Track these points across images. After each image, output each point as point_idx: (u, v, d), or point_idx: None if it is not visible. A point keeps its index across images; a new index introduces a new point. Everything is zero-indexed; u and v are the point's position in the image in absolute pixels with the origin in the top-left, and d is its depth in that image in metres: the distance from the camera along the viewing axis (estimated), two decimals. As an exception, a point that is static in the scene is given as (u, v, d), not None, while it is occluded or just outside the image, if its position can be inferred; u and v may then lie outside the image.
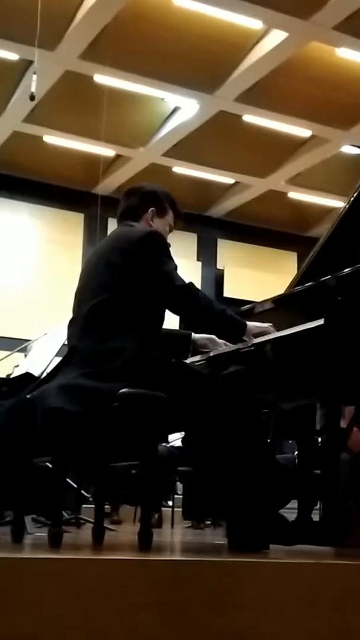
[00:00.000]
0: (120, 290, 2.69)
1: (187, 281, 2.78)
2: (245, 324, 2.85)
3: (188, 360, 3.25)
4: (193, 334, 3.13)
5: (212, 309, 2.81)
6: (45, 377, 2.81)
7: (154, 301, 2.74)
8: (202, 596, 1.98)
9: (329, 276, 2.84)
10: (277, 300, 3.17)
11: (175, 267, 2.79)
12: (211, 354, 3.14)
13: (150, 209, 2.95)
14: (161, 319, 2.82)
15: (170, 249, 2.83)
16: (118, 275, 2.72)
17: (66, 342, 3.08)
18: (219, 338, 3.07)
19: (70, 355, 2.71)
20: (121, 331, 2.63)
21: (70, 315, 2.85)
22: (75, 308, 2.83)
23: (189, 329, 3.16)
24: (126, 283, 2.70)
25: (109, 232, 13.74)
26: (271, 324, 2.89)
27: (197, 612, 1.97)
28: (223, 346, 3.10)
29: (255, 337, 2.87)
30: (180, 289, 2.76)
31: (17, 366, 5.23)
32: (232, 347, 3.02)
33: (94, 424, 2.48)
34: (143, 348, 2.64)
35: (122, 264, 2.72)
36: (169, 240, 2.94)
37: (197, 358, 3.24)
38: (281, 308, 3.10)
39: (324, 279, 2.87)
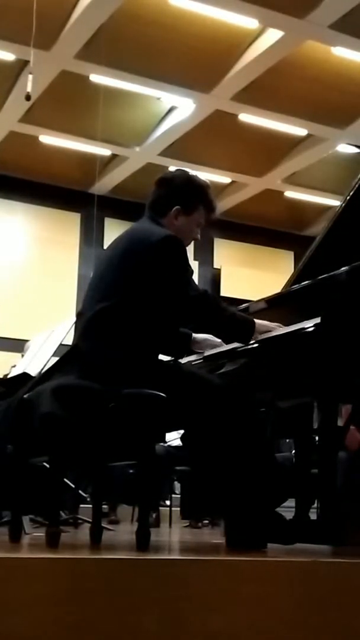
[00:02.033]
0: (128, 296, 2.65)
1: (201, 289, 2.76)
2: (254, 323, 2.84)
3: (185, 360, 3.25)
4: (193, 333, 3.12)
5: (223, 317, 2.79)
6: (43, 375, 2.80)
7: (162, 308, 2.69)
8: (200, 595, 1.98)
9: (326, 275, 2.84)
10: (274, 299, 3.17)
11: (191, 272, 2.76)
12: (207, 353, 3.14)
13: (175, 208, 2.86)
14: (168, 325, 2.80)
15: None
16: (128, 279, 2.67)
17: (65, 340, 3.07)
18: (231, 342, 3.02)
19: (71, 355, 2.70)
20: (125, 338, 2.62)
21: (68, 311, 2.84)
22: (86, 302, 2.80)
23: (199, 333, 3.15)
24: (135, 289, 2.65)
25: (105, 231, 13.74)
26: (279, 324, 2.88)
27: (195, 611, 1.97)
28: (222, 345, 3.09)
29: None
30: (193, 300, 2.73)
31: (14, 366, 5.22)
32: (229, 346, 3.02)
33: (90, 425, 2.49)
34: (144, 354, 2.64)
35: (134, 268, 2.68)
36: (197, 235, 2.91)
37: (194, 357, 3.24)
38: (278, 307, 3.10)
39: (320, 277, 2.87)
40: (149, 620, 1.91)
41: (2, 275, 12.82)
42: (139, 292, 2.65)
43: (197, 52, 9.80)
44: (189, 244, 2.90)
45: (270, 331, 2.85)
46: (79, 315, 2.80)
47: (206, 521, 6.30)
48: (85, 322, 2.71)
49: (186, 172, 3.03)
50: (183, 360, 3.23)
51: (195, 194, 2.91)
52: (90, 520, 3.06)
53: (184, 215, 2.87)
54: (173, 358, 3.25)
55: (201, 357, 3.18)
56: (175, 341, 3.01)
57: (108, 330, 2.63)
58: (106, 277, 2.76)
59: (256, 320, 2.85)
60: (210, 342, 3.09)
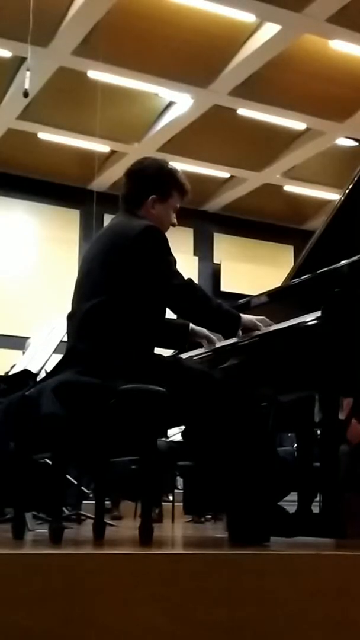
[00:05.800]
0: (117, 291, 2.67)
1: (185, 277, 2.76)
2: (240, 317, 2.84)
3: (186, 355, 3.25)
4: (191, 324, 3.11)
5: (208, 307, 2.79)
6: (45, 377, 2.80)
7: (151, 300, 2.71)
8: (203, 589, 1.99)
9: (326, 268, 2.84)
10: (274, 294, 3.17)
11: (175, 262, 2.76)
12: (209, 348, 3.14)
13: (151, 197, 2.87)
14: (160, 316, 2.81)
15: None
16: (114, 274, 2.69)
17: (66, 337, 3.07)
18: (216, 333, 3.05)
19: (69, 355, 2.70)
20: (119, 332, 2.63)
21: (68, 308, 2.84)
22: (75, 303, 2.81)
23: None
24: (123, 283, 2.67)
25: (105, 228, 13.37)
26: (264, 317, 2.88)
27: (198, 605, 1.97)
28: (219, 338, 3.09)
29: (245, 332, 2.85)
30: (178, 289, 2.73)
31: (14, 366, 5.22)
32: (229, 340, 3.02)
33: (91, 421, 2.49)
34: (141, 348, 2.64)
35: (119, 262, 2.69)
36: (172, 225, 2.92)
37: (195, 352, 3.24)
38: (278, 301, 3.10)
39: (320, 271, 2.87)
40: (153, 615, 1.92)
41: (1, 272, 12.82)
42: (126, 286, 2.67)
43: (194, 47, 9.78)
44: (167, 229, 2.91)
45: (256, 326, 2.84)
46: (69, 316, 2.80)
47: (209, 516, 6.30)
48: (78, 322, 2.72)
49: (155, 160, 3.02)
50: (183, 355, 3.23)
51: (168, 181, 2.91)
52: (93, 516, 3.07)
53: (160, 204, 2.89)
54: (174, 351, 3.26)
55: (202, 351, 3.18)
56: (170, 333, 3.01)
57: (101, 328, 2.63)
58: (92, 275, 2.77)
59: (242, 315, 2.85)
60: (207, 334, 3.08)
